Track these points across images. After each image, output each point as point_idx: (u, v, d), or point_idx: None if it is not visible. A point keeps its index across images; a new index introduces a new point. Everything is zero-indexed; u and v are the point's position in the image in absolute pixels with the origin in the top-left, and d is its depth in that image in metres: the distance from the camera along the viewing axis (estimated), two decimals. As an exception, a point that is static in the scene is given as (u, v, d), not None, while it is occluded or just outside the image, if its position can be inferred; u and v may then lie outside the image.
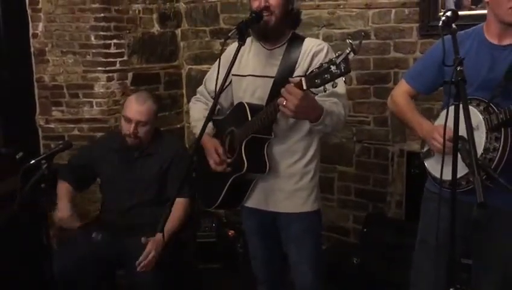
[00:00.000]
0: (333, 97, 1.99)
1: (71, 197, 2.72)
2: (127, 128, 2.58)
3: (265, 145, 2.09)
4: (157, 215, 2.48)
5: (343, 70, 1.64)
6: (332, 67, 1.65)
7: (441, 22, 1.66)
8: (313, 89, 1.84)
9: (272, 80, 2.09)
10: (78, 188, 2.80)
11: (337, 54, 1.66)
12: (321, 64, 1.69)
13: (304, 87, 1.74)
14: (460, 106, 1.48)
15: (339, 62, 1.64)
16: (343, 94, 2.03)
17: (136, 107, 2.57)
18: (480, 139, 1.76)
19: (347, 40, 1.64)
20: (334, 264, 2.90)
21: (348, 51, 1.62)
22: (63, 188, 2.73)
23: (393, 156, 3.24)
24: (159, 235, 2.22)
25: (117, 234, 2.58)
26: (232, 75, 2.18)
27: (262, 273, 2.38)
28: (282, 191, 2.15)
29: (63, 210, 2.62)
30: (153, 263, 2.41)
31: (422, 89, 2.11)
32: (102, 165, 2.73)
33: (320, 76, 1.69)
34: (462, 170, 1.69)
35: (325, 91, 1.74)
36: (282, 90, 1.78)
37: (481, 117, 1.79)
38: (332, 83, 1.68)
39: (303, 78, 1.75)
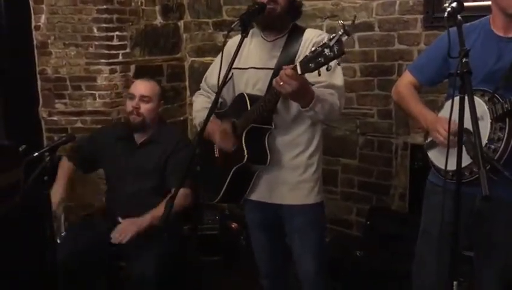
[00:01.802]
0: (330, 88, 1.99)
1: (70, 179, 2.74)
2: (130, 104, 2.66)
3: (266, 136, 2.08)
4: (157, 205, 2.51)
5: (336, 52, 1.63)
6: (326, 50, 1.65)
7: (446, 13, 1.64)
8: (310, 80, 1.83)
9: (272, 71, 2.08)
10: (82, 168, 2.83)
11: (330, 37, 1.65)
12: (315, 49, 1.69)
13: (299, 72, 1.74)
14: (466, 98, 1.47)
15: (332, 45, 1.63)
16: (340, 86, 2.03)
17: (140, 83, 2.71)
18: (485, 129, 1.75)
19: (338, 22, 1.64)
20: (337, 256, 2.89)
21: (340, 33, 1.61)
22: (64, 167, 2.76)
23: (397, 149, 3.23)
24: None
25: (118, 224, 2.58)
26: (233, 68, 2.16)
27: (265, 266, 2.39)
28: (286, 183, 2.15)
29: (54, 193, 2.57)
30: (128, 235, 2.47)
31: (426, 81, 2.10)
32: (106, 152, 2.75)
33: (314, 60, 1.69)
34: (465, 160, 1.68)
35: (319, 75, 1.74)
36: (281, 72, 1.79)
37: (486, 107, 1.78)
38: (326, 66, 1.67)
39: (297, 64, 1.75)
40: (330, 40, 1.64)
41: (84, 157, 2.79)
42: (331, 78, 1.95)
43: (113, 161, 2.72)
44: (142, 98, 2.64)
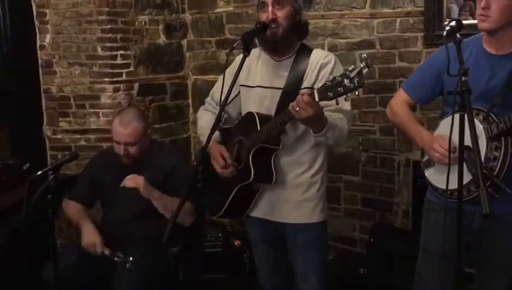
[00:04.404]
0: (338, 112, 2.00)
1: (89, 218, 2.70)
2: (118, 149, 2.60)
3: (273, 156, 2.09)
4: (150, 230, 2.52)
5: (356, 84, 1.66)
6: (346, 81, 1.67)
7: (445, 31, 1.66)
8: (320, 103, 1.85)
9: (280, 91, 2.10)
10: (88, 204, 2.80)
11: (351, 68, 1.67)
12: (334, 78, 1.71)
13: (316, 100, 1.76)
14: (464, 116, 1.47)
15: (353, 76, 1.65)
16: (349, 110, 2.05)
17: (121, 131, 2.57)
18: (481, 148, 1.74)
19: (362, 55, 1.67)
20: (340, 274, 2.88)
21: (362, 66, 1.63)
22: (75, 209, 2.73)
23: (399, 166, 3.23)
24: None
25: (112, 248, 2.56)
26: (240, 85, 2.20)
27: (268, 283, 2.38)
28: (289, 201, 2.15)
29: (90, 235, 2.56)
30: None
31: (420, 99, 2.11)
32: (102, 181, 2.73)
33: (332, 89, 1.70)
34: (464, 179, 1.68)
35: (337, 104, 1.76)
36: (298, 97, 1.79)
37: (481, 127, 1.77)
38: (345, 96, 1.69)
39: (315, 91, 1.76)
40: (351, 71, 1.66)
41: (85, 192, 2.77)
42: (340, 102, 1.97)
43: (109, 188, 2.70)
44: (127, 144, 2.58)
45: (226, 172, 2.13)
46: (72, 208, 2.76)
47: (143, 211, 2.60)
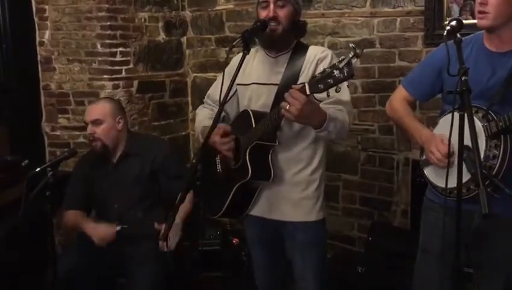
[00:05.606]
0: (338, 104, 1.99)
1: (89, 219, 2.70)
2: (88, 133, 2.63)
3: (270, 153, 2.08)
4: (147, 219, 2.52)
5: (346, 74, 1.64)
6: (336, 72, 1.65)
7: (445, 31, 1.66)
8: (317, 96, 1.84)
9: (276, 87, 2.10)
10: (86, 209, 2.79)
11: (340, 59, 1.66)
12: (324, 70, 1.69)
13: (307, 92, 1.75)
14: (464, 115, 1.47)
15: (342, 67, 1.63)
16: (347, 101, 2.03)
17: (88, 109, 2.69)
18: (480, 146, 1.73)
19: (350, 45, 1.65)
20: (338, 273, 2.89)
21: (350, 56, 1.62)
22: (75, 215, 2.71)
23: (398, 165, 3.23)
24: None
25: (115, 243, 2.57)
26: (237, 84, 2.19)
27: (264, 282, 2.37)
28: (287, 199, 2.15)
29: (99, 231, 2.56)
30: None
31: (420, 96, 2.10)
32: (90, 182, 2.73)
33: (323, 81, 1.68)
34: (463, 177, 1.68)
35: (328, 96, 1.74)
36: (286, 94, 1.79)
37: (480, 125, 1.76)
38: (335, 87, 1.68)
39: (306, 83, 1.75)
40: (340, 62, 1.65)
41: (80, 197, 2.75)
42: (338, 93, 1.95)
43: (98, 187, 2.70)
44: (94, 123, 2.60)
45: (226, 142, 2.10)
46: (71, 215, 2.73)
47: (137, 201, 2.62)
